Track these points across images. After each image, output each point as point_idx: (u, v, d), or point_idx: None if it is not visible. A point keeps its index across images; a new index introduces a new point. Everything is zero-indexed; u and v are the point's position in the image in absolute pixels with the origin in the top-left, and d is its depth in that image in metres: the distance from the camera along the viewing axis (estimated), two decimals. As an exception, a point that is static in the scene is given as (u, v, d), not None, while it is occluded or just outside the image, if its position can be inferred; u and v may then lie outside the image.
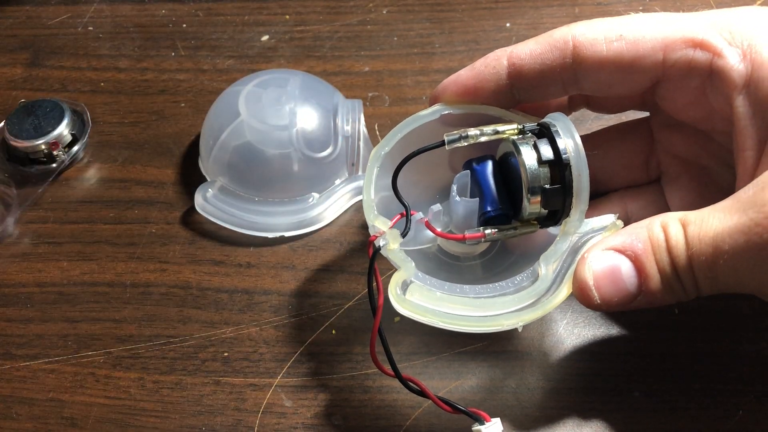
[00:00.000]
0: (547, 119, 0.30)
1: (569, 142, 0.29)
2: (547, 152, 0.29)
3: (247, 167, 0.40)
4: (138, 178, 0.43)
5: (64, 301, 0.38)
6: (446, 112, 0.33)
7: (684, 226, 0.27)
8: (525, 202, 0.29)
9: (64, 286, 0.38)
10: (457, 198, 0.32)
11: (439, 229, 0.32)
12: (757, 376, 0.33)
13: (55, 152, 0.42)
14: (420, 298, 0.29)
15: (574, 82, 0.32)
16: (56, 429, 0.34)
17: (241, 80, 0.42)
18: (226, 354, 0.35)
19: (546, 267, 0.30)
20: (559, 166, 0.29)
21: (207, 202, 0.40)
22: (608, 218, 0.30)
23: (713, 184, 0.33)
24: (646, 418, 0.32)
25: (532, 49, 0.32)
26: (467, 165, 0.32)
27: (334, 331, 0.36)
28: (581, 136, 0.29)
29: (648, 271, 0.28)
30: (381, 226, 0.31)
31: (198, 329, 0.36)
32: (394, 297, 0.29)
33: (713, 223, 0.27)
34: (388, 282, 0.30)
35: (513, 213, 0.31)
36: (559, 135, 0.29)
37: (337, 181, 0.41)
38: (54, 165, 0.43)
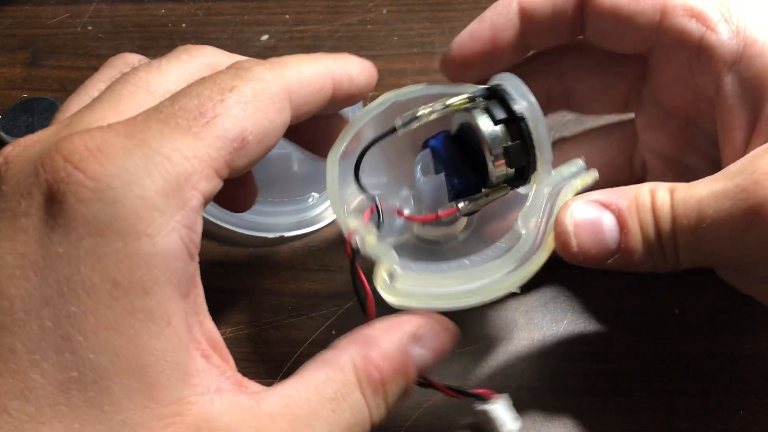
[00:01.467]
0: (494, 81, 0.30)
1: (520, 99, 0.29)
2: (500, 112, 0.29)
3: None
4: (138, 178, 0.43)
5: (64, 302, 0.38)
6: (394, 100, 0.32)
7: (671, 192, 0.27)
8: (490, 165, 0.29)
9: (64, 286, 0.38)
10: (422, 178, 0.32)
11: (407, 211, 0.32)
12: (757, 376, 0.33)
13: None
14: (409, 283, 0.29)
15: (580, 26, 0.32)
16: (56, 429, 0.33)
17: (240, 80, 0.42)
18: (225, 354, 0.35)
19: (525, 224, 0.29)
20: (514, 122, 0.29)
21: (207, 202, 0.40)
22: (576, 163, 0.30)
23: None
24: (646, 418, 0.32)
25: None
26: (425, 145, 0.32)
27: (334, 331, 0.36)
28: (565, 139, 0.29)
29: (630, 227, 0.27)
30: (355, 223, 0.30)
31: (198, 329, 0.36)
32: (383, 288, 0.29)
33: (700, 188, 0.27)
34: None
35: (481, 181, 0.31)
36: (508, 93, 0.29)
37: (337, 181, 0.41)
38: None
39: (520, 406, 0.33)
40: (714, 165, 0.32)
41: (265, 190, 0.40)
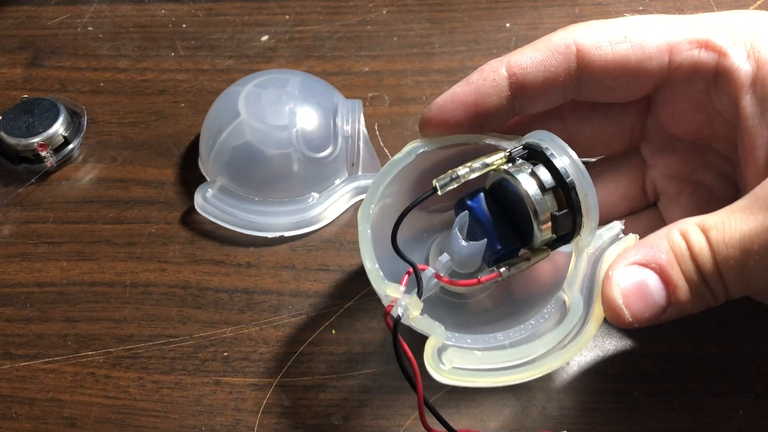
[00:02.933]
0: (532, 139, 0.29)
1: (566, 161, 0.28)
2: (546, 177, 0.28)
3: (246, 167, 0.40)
4: (138, 178, 0.43)
5: (64, 301, 0.38)
6: (420, 151, 0.31)
7: (705, 232, 0.27)
8: (536, 231, 0.28)
9: (64, 285, 0.38)
10: (464, 243, 0.30)
11: (444, 275, 0.30)
12: (757, 376, 0.33)
13: (42, 153, 0.42)
14: (461, 362, 0.28)
15: (576, 88, 0.31)
16: (56, 429, 0.33)
17: (240, 80, 0.42)
18: (225, 354, 0.35)
19: (572, 292, 0.29)
20: (563, 188, 0.28)
21: (207, 202, 0.40)
22: (614, 226, 0.30)
23: (712, 198, 0.33)
24: (646, 418, 0.32)
25: (532, 57, 0.30)
26: (460, 204, 0.31)
27: (334, 331, 0.36)
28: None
29: (675, 281, 0.27)
30: (393, 293, 0.28)
31: (198, 329, 0.36)
32: (434, 369, 0.27)
33: (737, 225, 0.26)
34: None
35: (521, 243, 0.30)
36: (554, 156, 0.28)
37: (337, 181, 0.41)
38: (41, 165, 0.42)
39: (521, 406, 0.33)
40: (728, 179, 0.32)
41: (265, 190, 0.40)
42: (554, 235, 0.29)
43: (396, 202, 0.32)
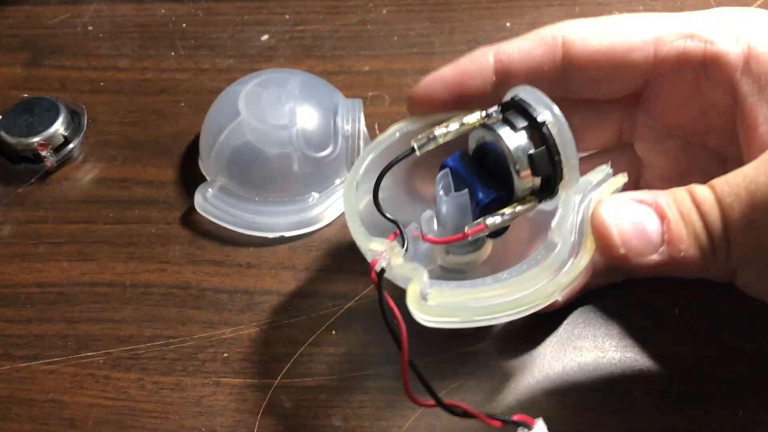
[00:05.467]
0: (509, 96, 0.29)
1: (538, 103, 0.28)
2: (520, 121, 0.28)
3: (246, 167, 0.39)
4: (138, 177, 0.43)
5: (64, 302, 0.38)
6: (405, 130, 0.32)
7: (711, 186, 0.26)
8: (515, 177, 0.28)
9: (64, 286, 0.38)
10: (443, 195, 0.30)
11: (428, 233, 0.31)
12: (758, 376, 0.33)
13: (42, 153, 0.42)
14: (443, 299, 0.27)
15: (562, 81, 0.31)
16: (55, 430, 0.33)
17: (241, 80, 0.42)
18: (225, 354, 0.35)
19: (560, 232, 0.28)
20: (536, 129, 0.28)
21: (207, 202, 0.40)
22: (602, 169, 0.29)
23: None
24: (646, 418, 0.32)
25: (519, 46, 0.31)
26: (443, 164, 0.31)
27: (334, 332, 0.36)
28: None
29: (670, 217, 0.26)
30: (378, 246, 0.29)
31: (198, 330, 0.36)
32: (416, 307, 0.27)
33: (744, 174, 0.26)
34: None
35: (507, 195, 0.30)
36: (526, 102, 0.28)
37: (337, 181, 0.41)
38: (41, 165, 0.42)
39: (520, 407, 0.33)
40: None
41: (265, 190, 0.40)
42: (537, 181, 0.28)
43: (390, 196, 0.32)
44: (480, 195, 0.30)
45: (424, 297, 0.27)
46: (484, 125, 0.29)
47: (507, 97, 0.30)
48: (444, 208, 0.31)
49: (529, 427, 0.27)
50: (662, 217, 0.26)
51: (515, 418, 0.28)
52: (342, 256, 0.39)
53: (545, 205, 0.30)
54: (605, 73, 0.30)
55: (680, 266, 0.26)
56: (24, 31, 0.51)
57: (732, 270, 0.27)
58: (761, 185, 0.25)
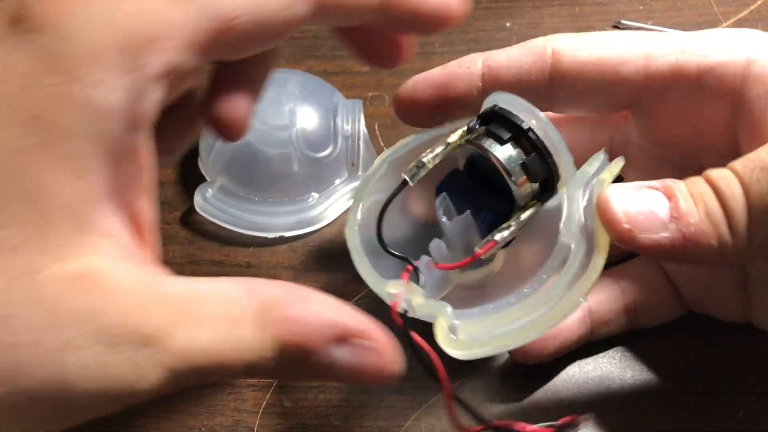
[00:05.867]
0: (486, 105, 0.29)
1: (519, 110, 0.28)
2: (504, 132, 0.28)
3: (246, 167, 0.39)
4: (138, 178, 0.43)
5: (64, 302, 0.38)
6: (391, 159, 0.31)
7: (729, 167, 0.25)
8: (513, 187, 0.28)
9: (64, 286, 0.38)
10: (447, 222, 0.30)
11: (440, 261, 0.30)
12: (758, 376, 0.33)
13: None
14: (475, 331, 0.26)
15: (549, 92, 0.30)
16: (56, 429, 0.33)
17: (240, 80, 0.42)
18: (225, 354, 0.35)
19: (569, 232, 0.27)
20: (523, 135, 0.28)
21: (207, 202, 0.40)
22: (597, 157, 0.29)
23: None
24: (647, 418, 0.32)
25: (508, 54, 0.31)
26: (439, 188, 0.30)
27: (334, 332, 0.36)
28: None
29: (679, 195, 0.25)
30: (394, 289, 0.28)
31: (198, 329, 0.36)
32: (448, 345, 0.26)
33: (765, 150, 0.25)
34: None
35: (509, 206, 0.29)
36: (506, 110, 0.28)
37: (337, 181, 0.41)
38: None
39: (520, 407, 0.33)
40: None
41: (265, 190, 0.40)
42: (535, 185, 0.28)
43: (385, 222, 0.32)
44: (483, 213, 0.29)
45: (453, 332, 0.27)
46: (469, 142, 0.29)
47: (486, 106, 0.29)
48: (450, 233, 0.30)
49: (575, 426, 0.27)
50: (670, 196, 0.26)
51: (566, 420, 0.27)
52: (342, 256, 0.38)
53: (551, 201, 0.29)
54: (594, 85, 0.30)
55: (694, 247, 0.25)
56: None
57: (753, 256, 0.26)
58: None
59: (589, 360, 0.34)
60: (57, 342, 0.18)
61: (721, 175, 0.25)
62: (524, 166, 0.28)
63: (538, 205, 0.29)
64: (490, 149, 0.28)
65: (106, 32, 0.20)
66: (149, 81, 0.21)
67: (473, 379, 0.34)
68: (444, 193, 0.30)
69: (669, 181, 0.26)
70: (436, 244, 0.30)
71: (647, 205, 0.25)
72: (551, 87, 0.30)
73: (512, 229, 0.28)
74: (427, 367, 0.25)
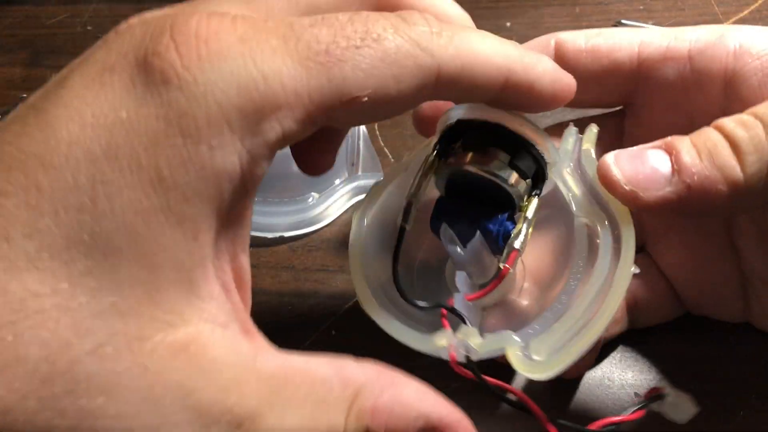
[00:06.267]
0: (447, 122, 0.28)
1: (482, 113, 0.27)
2: (475, 141, 0.27)
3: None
4: (137, 178, 0.43)
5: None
6: (373, 213, 0.30)
7: (748, 112, 0.25)
8: (510, 190, 0.27)
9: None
10: (461, 251, 0.28)
11: (476, 291, 0.28)
12: (759, 376, 0.33)
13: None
14: (549, 346, 0.25)
15: None
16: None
17: (240, 80, 0.42)
18: (225, 354, 0.35)
19: (584, 213, 0.27)
20: (498, 136, 0.27)
21: (206, 202, 0.40)
22: (569, 131, 0.28)
23: (703, 230, 0.32)
24: (646, 418, 0.32)
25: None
26: (434, 223, 0.29)
27: (333, 332, 0.36)
28: None
29: (681, 147, 0.25)
30: (444, 340, 0.26)
31: (197, 329, 0.36)
32: (532, 371, 0.25)
33: None
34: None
35: (510, 210, 0.29)
36: (466, 120, 0.27)
37: (337, 181, 0.41)
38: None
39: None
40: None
41: (265, 190, 0.40)
42: (528, 180, 0.28)
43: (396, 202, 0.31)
44: (490, 226, 0.28)
45: (527, 356, 0.25)
46: (450, 165, 0.28)
47: (444, 125, 0.28)
48: (467, 261, 0.29)
49: (661, 394, 0.27)
50: (670, 151, 0.25)
51: (652, 392, 0.27)
52: (342, 256, 0.38)
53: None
54: (591, 71, 0.31)
55: (702, 195, 0.25)
56: (23, 31, 0.51)
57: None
58: None
59: (587, 360, 0.34)
60: (155, 417, 0.19)
61: (734, 118, 0.25)
62: (513, 166, 0.27)
63: (535, 196, 0.28)
64: (473, 167, 0.27)
65: (233, 94, 0.20)
66: (265, 148, 0.21)
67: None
68: (443, 225, 0.29)
69: (672, 138, 0.26)
70: (461, 278, 0.29)
71: (648, 164, 0.25)
72: None
73: (525, 230, 0.27)
74: (519, 406, 0.25)
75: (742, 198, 0.25)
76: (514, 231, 0.27)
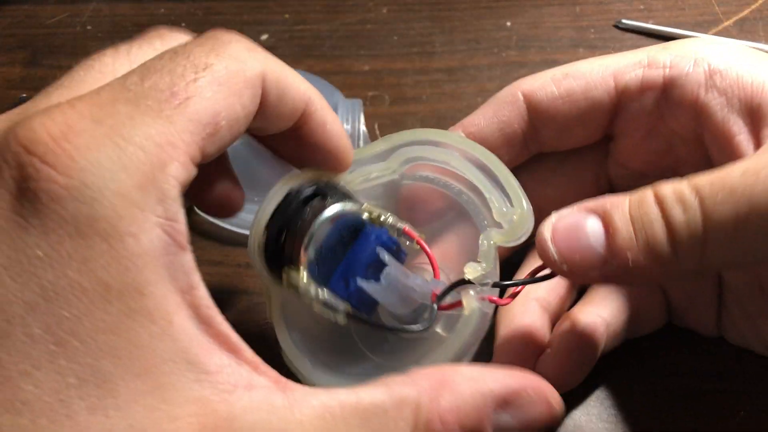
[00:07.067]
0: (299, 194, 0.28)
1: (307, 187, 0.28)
2: (325, 200, 0.27)
3: (246, 167, 0.39)
4: (137, 177, 0.43)
5: (63, 302, 0.38)
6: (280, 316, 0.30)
7: (691, 184, 0.24)
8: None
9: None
10: (375, 289, 0.27)
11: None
12: (759, 376, 0.33)
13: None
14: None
15: (533, 136, 0.31)
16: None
17: (240, 80, 0.42)
18: (225, 354, 0.35)
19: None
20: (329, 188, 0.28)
21: (206, 202, 0.40)
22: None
23: None
24: (647, 418, 0.32)
25: (484, 113, 0.31)
26: (338, 288, 0.28)
27: (334, 332, 0.36)
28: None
29: (617, 225, 0.24)
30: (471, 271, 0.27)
31: (197, 330, 0.36)
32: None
33: (741, 171, 0.24)
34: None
35: (364, 238, 0.28)
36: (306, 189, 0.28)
37: (337, 181, 0.40)
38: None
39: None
40: None
41: (264, 190, 0.40)
42: (327, 199, 0.28)
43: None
44: (374, 240, 0.28)
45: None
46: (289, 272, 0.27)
47: (282, 191, 0.28)
48: (386, 293, 0.28)
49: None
50: (607, 228, 0.25)
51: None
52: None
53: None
54: (570, 116, 0.30)
55: (633, 277, 0.25)
56: (23, 30, 0.51)
57: (702, 271, 0.25)
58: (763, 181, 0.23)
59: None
60: None
61: (676, 192, 0.24)
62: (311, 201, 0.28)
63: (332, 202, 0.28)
64: (325, 216, 0.27)
65: (124, 177, 0.20)
66: (173, 203, 0.21)
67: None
68: (358, 282, 0.28)
69: (610, 202, 0.25)
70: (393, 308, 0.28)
71: (584, 241, 0.25)
72: (533, 130, 0.31)
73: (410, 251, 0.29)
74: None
75: (674, 275, 0.25)
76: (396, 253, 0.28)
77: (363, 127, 0.41)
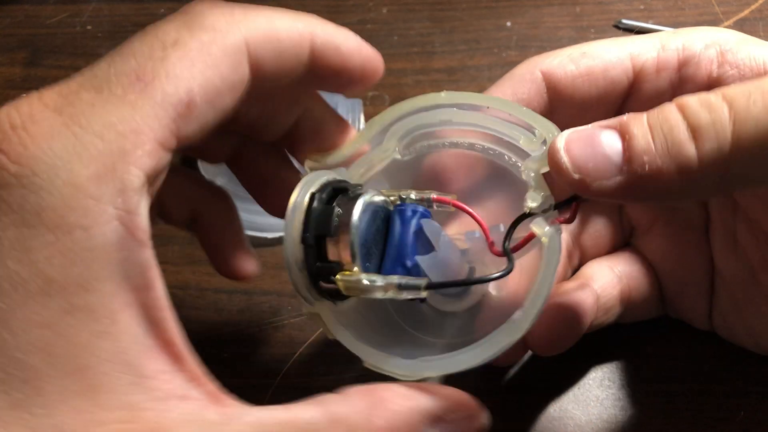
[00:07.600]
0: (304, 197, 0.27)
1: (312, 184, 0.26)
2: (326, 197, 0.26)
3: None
4: (137, 177, 0.42)
5: (63, 302, 0.38)
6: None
7: (720, 91, 0.23)
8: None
9: (63, 286, 0.38)
10: (432, 256, 0.27)
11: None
12: (759, 376, 0.33)
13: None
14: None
15: (549, 113, 0.30)
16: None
17: (240, 80, 0.42)
18: (225, 355, 0.35)
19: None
20: (334, 190, 0.26)
21: (206, 202, 0.40)
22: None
23: (686, 224, 0.32)
24: (647, 418, 0.32)
25: (502, 92, 0.30)
26: (397, 261, 0.28)
27: (334, 332, 0.36)
28: None
29: (635, 131, 0.23)
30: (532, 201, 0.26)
31: (197, 330, 0.36)
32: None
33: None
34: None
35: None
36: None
37: (337, 181, 0.40)
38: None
39: (519, 408, 0.33)
40: (701, 203, 0.32)
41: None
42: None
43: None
44: (413, 213, 0.28)
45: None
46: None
47: (304, 197, 0.26)
48: (435, 262, 0.28)
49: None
50: (624, 134, 0.23)
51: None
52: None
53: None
54: (590, 96, 0.30)
55: (652, 183, 0.23)
56: (23, 30, 0.51)
57: (725, 185, 0.23)
58: None
59: (588, 360, 0.34)
60: None
61: (701, 97, 0.23)
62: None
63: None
64: (355, 213, 0.26)
65: (80, 168, 0.19)
66: (136, 194, 0.20)
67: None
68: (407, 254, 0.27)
69: (628, 116, 0.24)
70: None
71: (599, 150, 0.23)
72: (551, 109, 0.30)
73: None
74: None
75: (694, 185, 0.23)
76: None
77: (363, 127, 0.41)
